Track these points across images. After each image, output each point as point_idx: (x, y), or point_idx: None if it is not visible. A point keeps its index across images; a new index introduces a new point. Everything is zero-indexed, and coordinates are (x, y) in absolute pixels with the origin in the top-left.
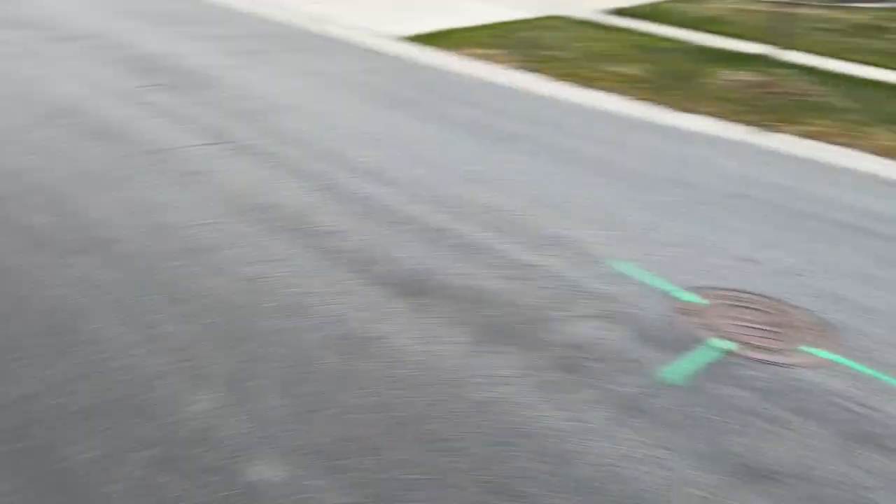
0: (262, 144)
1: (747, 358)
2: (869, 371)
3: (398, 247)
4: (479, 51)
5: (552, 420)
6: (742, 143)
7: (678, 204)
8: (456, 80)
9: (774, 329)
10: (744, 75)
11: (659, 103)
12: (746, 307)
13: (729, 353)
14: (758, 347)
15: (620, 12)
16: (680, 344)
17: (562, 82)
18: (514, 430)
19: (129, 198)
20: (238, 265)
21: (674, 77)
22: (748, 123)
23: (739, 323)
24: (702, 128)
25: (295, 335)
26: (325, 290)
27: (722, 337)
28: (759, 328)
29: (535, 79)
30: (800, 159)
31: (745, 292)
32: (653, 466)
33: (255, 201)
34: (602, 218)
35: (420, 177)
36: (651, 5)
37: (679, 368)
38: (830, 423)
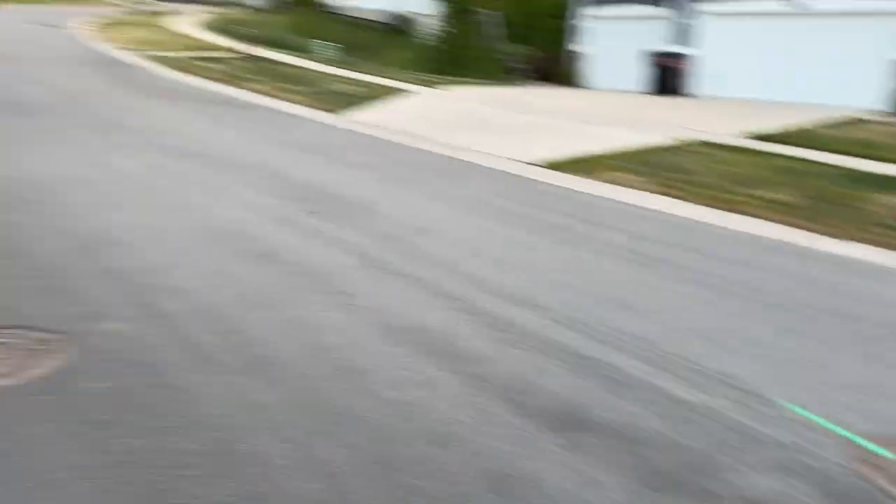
0: (409, 268)
1: None
2: None
3: (547, 376)
4: (618, 175)
5: None
6: None
7: (844, 338)
8: (596, 205)
9: None
10: None
11: (809, 229)
12: None
13: None
14: None
15: (762, 137)
16: None
17: (704, 206)
18: None
19: (288, 318)
20: (388, 389)
21: (824, 201)
22: None
23: None
24: (859, 255)
25: (443, 467)
26: (472, 419)
27: None
28: None
29: (676, 203)
30: None
31: None
32: None
33: (404, 324)
34: (764, 352)
35: (567, 302)
36: (795, 131)
37: None
38: None
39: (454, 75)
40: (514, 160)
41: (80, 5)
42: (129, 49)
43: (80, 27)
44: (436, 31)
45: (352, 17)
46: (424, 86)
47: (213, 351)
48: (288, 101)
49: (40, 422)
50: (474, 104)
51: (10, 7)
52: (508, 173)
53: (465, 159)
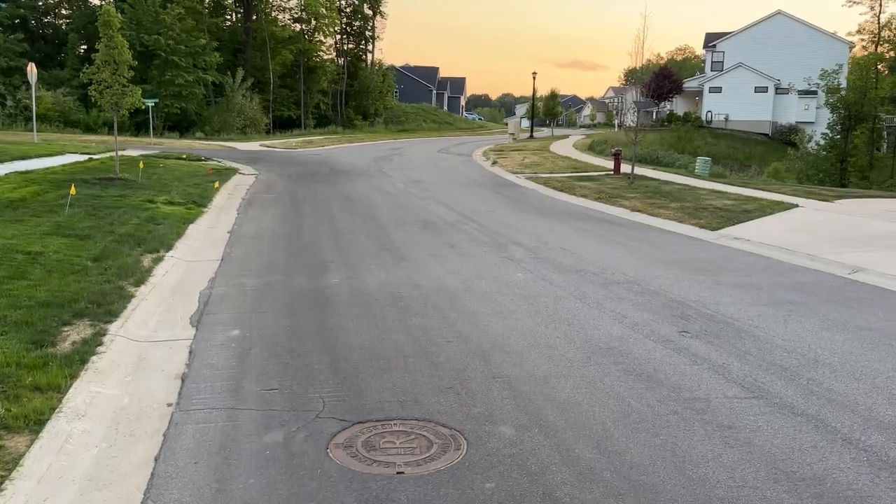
0: (803, 404)
1: None
2: None
3: None
4: None
5: None
6: None
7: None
8: None
9: None
10: None
11: None
12: None
13: None
14: None
15: None
16: None
17: None
18: None
19: (667, 444)
20: None
21: None
22: None
23: None
24: None
25: None
26: None
27: None
28: None
29: None
30: None
31: None
32: None
33: (799, 471)
34: None
35: None
36: None
37: None
38: None
39: (844, 186)
40: None
41: (470, 134)
42: (515, 172)
43: (473, 154)
44: (822, 142)
45: (728, 130)
46: (808, 198)
47: (593, 467)
48: (661, 216)
49: None
50: (866, 218)
51: (410, 139)
52: None
53: (862, 280)
